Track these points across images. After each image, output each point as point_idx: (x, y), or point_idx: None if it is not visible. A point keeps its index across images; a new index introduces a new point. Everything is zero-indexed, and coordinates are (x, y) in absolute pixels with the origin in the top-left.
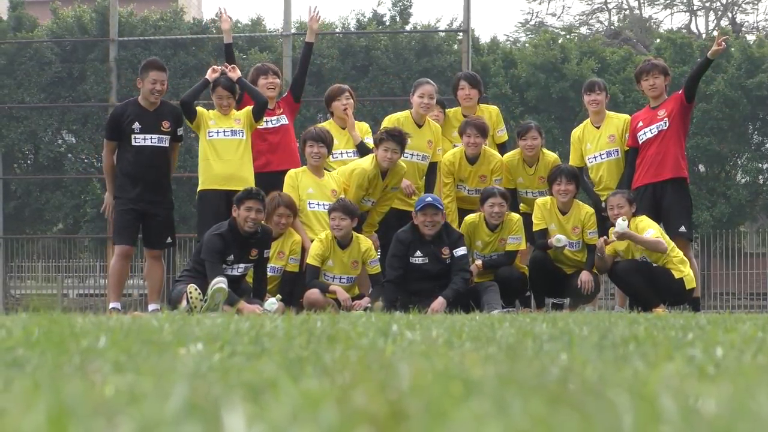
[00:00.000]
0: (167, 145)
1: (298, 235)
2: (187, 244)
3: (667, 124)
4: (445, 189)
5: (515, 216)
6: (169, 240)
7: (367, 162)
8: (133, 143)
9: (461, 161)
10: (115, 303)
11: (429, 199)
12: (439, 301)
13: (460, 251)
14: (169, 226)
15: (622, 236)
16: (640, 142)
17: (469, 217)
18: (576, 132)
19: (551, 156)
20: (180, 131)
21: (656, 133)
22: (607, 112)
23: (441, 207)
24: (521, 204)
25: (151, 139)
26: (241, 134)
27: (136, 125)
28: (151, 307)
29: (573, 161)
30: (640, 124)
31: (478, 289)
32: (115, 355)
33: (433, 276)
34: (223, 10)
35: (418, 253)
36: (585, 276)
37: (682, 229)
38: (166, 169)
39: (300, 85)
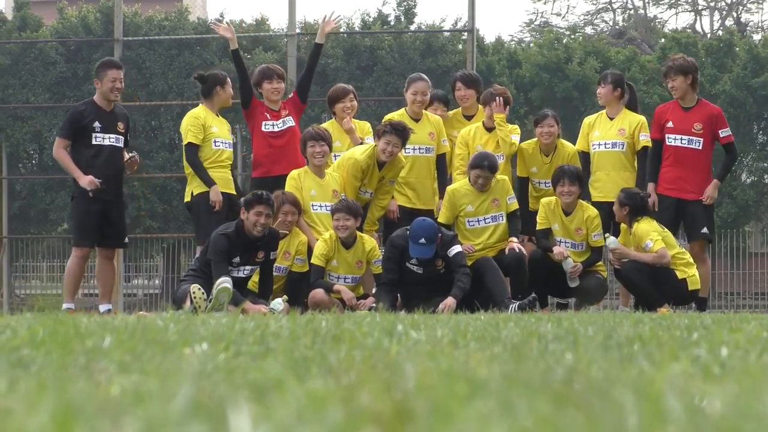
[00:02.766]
0: (122, 145)
1: (304, 236)
2: (191, 244)
3: (702, 145)
4: (457, 160)
5: (592, 210)
6: (126, 240)
7: (360, 151)
8: (94, 142)
9: (478, 130)
10: (70, 303)
11: (424, 255)
12: (450, 301)
13: (455, 249)
14: (124, 226)
15: (616, 253)
16: (667, 143)
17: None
18: (588, 118)
19: (569, 147)
20: (128, 136)
21: (687, 146)
22: (624, 108)
23: (431, 255)
24: (532, 194)
25: (109, 138)
26: (231, 146)
27: (97, 124)
28: (103, 307)
29: (579, 146)
30: (670, 124)
31: (479, 272)
32: (121, 355)
33: (428, 281)
34: (215, 23)
35: (414, 261)
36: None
37: (704, 230)
38: (122, 170)
39: (307, 86)
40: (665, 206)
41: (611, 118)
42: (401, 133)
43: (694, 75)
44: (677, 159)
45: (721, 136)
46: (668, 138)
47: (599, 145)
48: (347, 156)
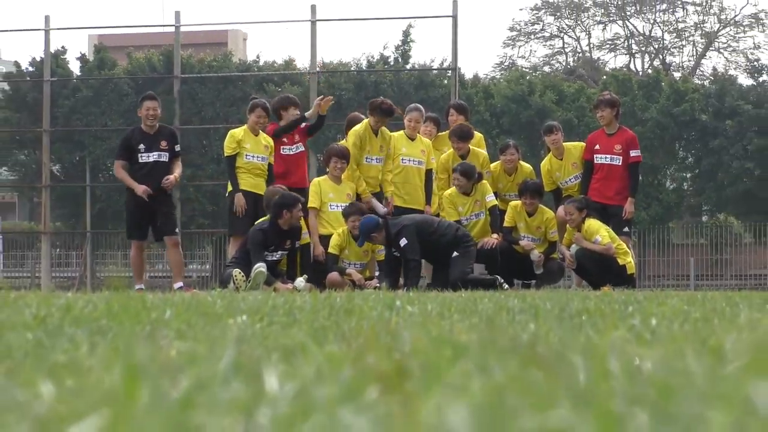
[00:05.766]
0: (167, 160)
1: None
2: None
3: (620, 161)
4: (440, 183)
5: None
6: (176, 230)
7: (360, 126)
8: (140, 160)
9: (454, 158)
10: (140, 284)
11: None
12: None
13: (402, 241)
14: (174, 220)
15: (577, 251)
16: (596, 162)
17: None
18: (544, 165)
19: (527, 167)
20: (177, 148)
21: (610, 162)
22: (564, 144)
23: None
24: (500, 202)
25: (152, 155)
26: (264, 159)
27: (141, 146)
28: (176, 285)
29: (547, 187)
30: (597, 146)
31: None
32: (178, 324)
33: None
34: (319, 101)
35: (395, 251)
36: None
37: (626, 230)
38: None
39: (315, 130)
40: (594, 209)
41: (560, 159)
42: (388, 112)
43: (618, 108)
44: (603, 173)
45: (630, 155)
46: (596, 158)
47: (567, 182)
48: (351, 131)
